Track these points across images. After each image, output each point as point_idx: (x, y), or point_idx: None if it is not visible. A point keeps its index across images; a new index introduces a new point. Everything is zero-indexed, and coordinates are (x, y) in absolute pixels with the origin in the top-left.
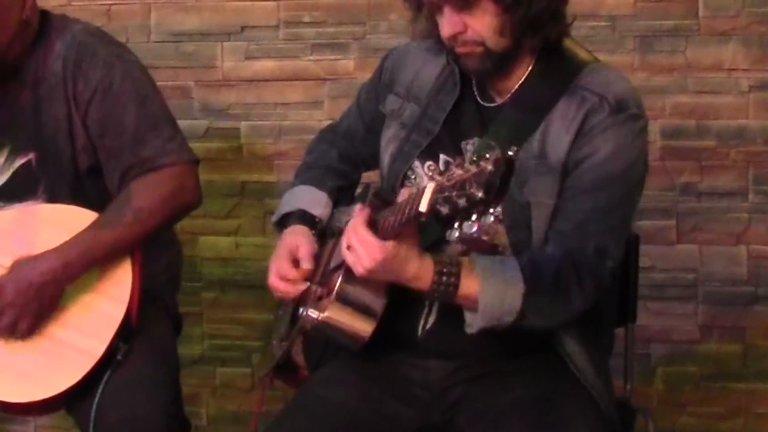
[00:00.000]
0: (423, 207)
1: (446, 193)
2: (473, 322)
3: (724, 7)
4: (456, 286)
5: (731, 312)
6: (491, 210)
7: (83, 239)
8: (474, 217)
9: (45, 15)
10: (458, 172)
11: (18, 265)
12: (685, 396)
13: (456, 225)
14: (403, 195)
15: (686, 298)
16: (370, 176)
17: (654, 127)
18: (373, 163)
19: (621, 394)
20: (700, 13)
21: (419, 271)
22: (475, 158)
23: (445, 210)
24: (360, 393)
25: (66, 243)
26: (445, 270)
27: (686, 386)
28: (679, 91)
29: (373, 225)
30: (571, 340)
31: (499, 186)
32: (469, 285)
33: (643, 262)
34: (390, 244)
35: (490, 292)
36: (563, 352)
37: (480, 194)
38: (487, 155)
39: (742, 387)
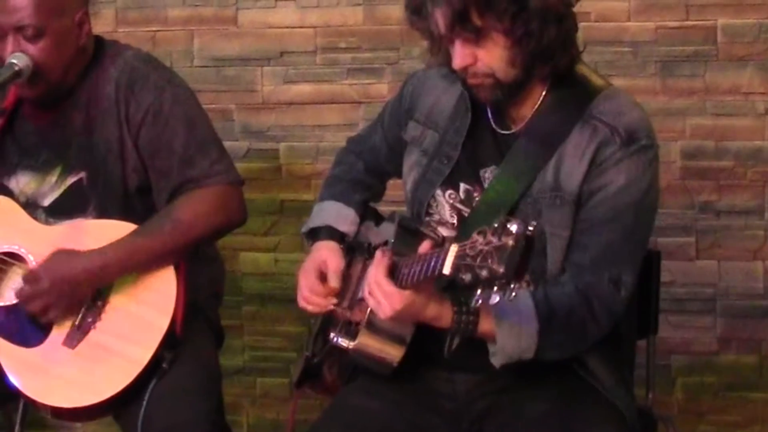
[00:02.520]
0: (447, 270)
1: (467, 261)
2: (496, 360)
3: (742, 34)
4: (476, 324)
5: (748, 324)
6: (512, 285)
7: (122, 245)
8: (495, 288)
9: (99, 40)
10: (480, 241)
11: (57, 256)
12: (704, 405)
13: (478, 293)
14: (424, 247)
15: (705, 312)
16: (397, 195)
17: (674, 148)
18: (397, 175)
19: (643, 403)
20: (719, 39)
21: (439, 312)
22: (497, 227)
23: (467, 278)
24: (394, 403)
25: (106, 246)
26: (464, 309)
27: (705, 396)
28: (699, 114)
29: (393, 269)
30: (591, 357)
31: (520, 262)
32: (487, 324)
33: (664, 277)
34: (408, 293)
35: (506, 332)
36: (584, 367)
37: (501, 270)
38: (509, 226)
39: (759, 396)
